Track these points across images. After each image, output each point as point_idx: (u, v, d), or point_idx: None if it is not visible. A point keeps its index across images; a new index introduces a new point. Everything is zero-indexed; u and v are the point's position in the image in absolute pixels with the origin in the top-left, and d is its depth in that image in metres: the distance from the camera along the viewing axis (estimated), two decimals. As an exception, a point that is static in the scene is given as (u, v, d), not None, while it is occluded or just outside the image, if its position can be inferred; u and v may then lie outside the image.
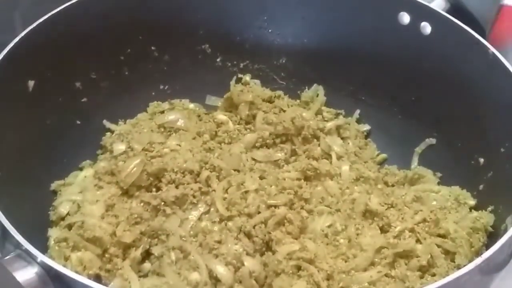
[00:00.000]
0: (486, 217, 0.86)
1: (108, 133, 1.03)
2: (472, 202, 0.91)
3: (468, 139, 0.95)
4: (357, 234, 0.86)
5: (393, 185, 0.99)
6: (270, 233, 0.85)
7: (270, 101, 1.10)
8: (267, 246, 0.85)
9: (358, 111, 1.10)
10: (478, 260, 0.67)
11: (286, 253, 0.83)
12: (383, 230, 0.88)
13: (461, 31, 0.93)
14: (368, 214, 0.89)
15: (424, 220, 0.87)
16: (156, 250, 0.83)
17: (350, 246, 0.85)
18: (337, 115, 1.10)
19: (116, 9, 1.00)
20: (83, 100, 1.00)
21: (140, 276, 0.82)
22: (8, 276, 0.64)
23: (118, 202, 0.89)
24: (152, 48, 1.07)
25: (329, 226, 0.88)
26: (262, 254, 0.84)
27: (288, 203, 0.89)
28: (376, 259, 0.83)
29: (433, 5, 0.99)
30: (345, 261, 0.83)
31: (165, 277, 0.80)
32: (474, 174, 0.92)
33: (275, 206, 0.88)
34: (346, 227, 0.88)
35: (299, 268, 0.82)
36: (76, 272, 0.76)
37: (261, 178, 0.94)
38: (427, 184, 0.97)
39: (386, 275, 0.81)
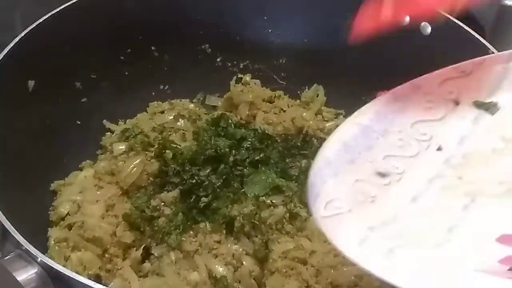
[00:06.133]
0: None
1: (108, 133, 1.03)
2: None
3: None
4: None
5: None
6: (268, 232, 0.85)
7: (270, 101, 1.10)
8: (266, 246, 0.85)
9: (358, 111, 1.10)
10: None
11: (281, 251, 0.83)
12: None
13: (461, 31, 0.93)
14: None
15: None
16: (156, 250, 0.84)
17: None
18: (337, 115, 1.10)
19: (116, 9, 1.00)
20: (83, 100, 1.00)
21: (140, 276, 0.82)
22: (8, 276, 0.64)
23: (118, 202, 0.90)
24: (152, 48, 1.07)
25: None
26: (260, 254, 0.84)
27: (288, 203, 0.89)
28: None
29: (433, 5, 0.99)
30: (334, 256, 0.83)
31: (165, 277, 0.80)
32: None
33: (274, 206, 0.87)
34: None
35: (293, 267, 0.82)
36: (76, 272, 0.75)
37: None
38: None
39: None
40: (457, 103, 0.66)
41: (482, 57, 0.69)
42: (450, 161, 0.61)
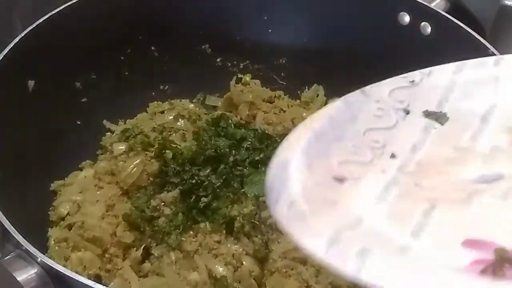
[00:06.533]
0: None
1: (108, 133, 1.03)
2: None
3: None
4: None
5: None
6: (268, 232, 0.85)
7: (270, 101, 1.10)
8: (266, 246, 0.85)
9: (358, 111, 1.10)
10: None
11: (281, 251, 0.83)
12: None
13: (461, 31, 0.93)
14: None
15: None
16: (156, 250, 0.84)
17: None
18: (337, 115, 1.10)
19: (116, 9, 1.00)
20: (83, 100, 1.00)
21: (140, 276, 0.82)
22: (8, 276, 0.64)
23: (118, 202, 0.90)
24: (152, 48, 1.07)
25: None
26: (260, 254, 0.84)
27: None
28: None
29: (433, 5, 0.99)
30: None
31: (165, 277, 0.80)
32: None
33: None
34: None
35: (293, 267, 0.82)
36: (76, 272, 0.76)
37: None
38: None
39: None
40: (407, 112, 0.65)
41: (429, 68, 0.69)
42: (405, 169, 0.60)
